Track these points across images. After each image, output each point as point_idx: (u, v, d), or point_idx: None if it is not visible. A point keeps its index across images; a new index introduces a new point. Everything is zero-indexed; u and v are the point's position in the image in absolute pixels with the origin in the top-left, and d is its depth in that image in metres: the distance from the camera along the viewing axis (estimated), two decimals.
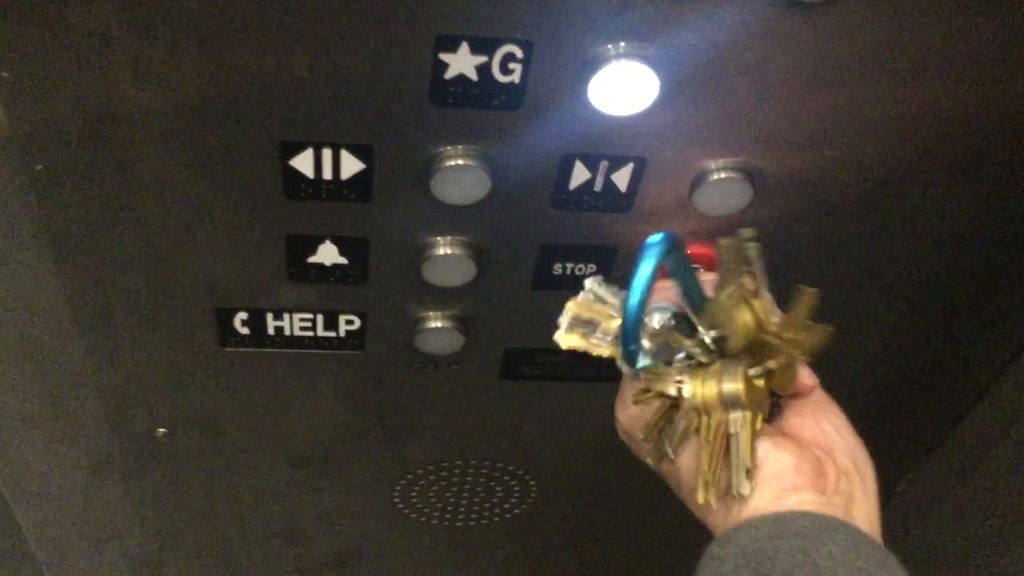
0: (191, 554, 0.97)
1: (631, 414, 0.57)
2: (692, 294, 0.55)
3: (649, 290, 0.52)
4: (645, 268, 0.52)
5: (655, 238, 0.52)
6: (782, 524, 0.50)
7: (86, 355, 0.71)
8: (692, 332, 0.55)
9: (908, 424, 0.84)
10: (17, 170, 0.57)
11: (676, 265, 0.54)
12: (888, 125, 0.59)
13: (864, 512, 0.52)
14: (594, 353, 0.57)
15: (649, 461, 0.57)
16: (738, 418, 0.52)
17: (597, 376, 0.76)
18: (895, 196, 0.64)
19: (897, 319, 0.73)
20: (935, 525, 0.87)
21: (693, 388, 0.53)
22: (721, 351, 0.54)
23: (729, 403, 0.52)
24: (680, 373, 0.53)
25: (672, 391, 0.53)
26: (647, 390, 0.54)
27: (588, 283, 0.57)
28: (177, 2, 0.49)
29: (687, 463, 0.54)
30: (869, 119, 0.59)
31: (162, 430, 0.79)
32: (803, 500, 0.50)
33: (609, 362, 0.74)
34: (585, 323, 0.57)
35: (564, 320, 0.57)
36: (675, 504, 0.90)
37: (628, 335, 0.53)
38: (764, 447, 0.52)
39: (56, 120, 0.55)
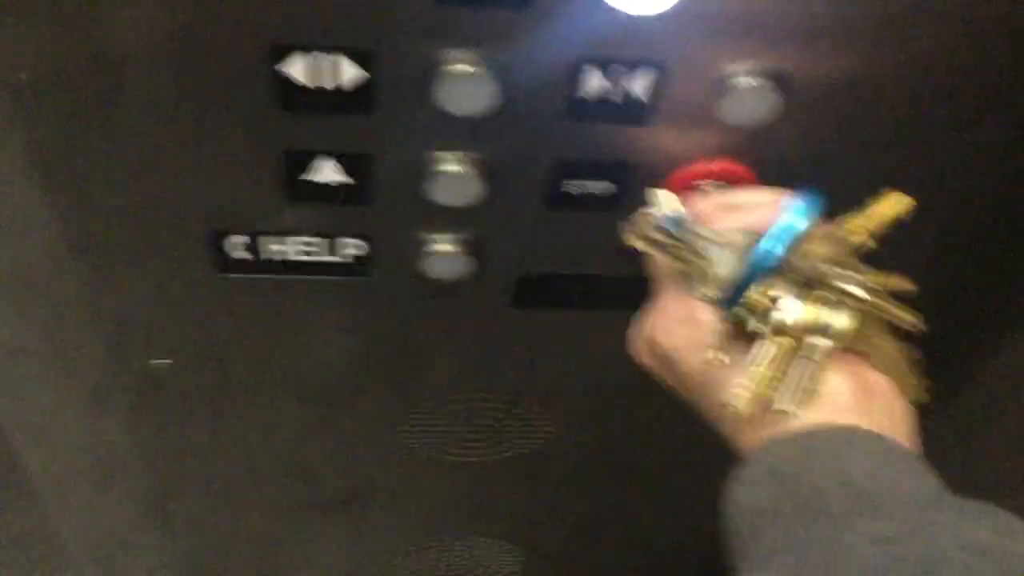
0: (197, 491, 0.95)
1: (685, 335, 0.53)
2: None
3: (789, 244, 0.48)
4: (790, 218, 0.48)
5: (807, 197, 0.49)
6: (812, 439, 0.48)
7: (80, 283, 0.68)
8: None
9: (945, 348, 0.81)
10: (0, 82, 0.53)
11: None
12: (926, 28, 0.54)
13: (904, 432, 0.50)
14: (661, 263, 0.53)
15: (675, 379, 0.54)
16: (825, 346, 0.49)
17: (615, 303, 0.72)
18: (931, 105, 0.60)
19: (934, 245, 0.69)
20: (973, 453, 0.85)
21: (798, 314, 0.49)
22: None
23: (827, 332, 0.49)
24: (782, 298, 0.50)
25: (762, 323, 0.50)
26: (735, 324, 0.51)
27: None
28: None
29: (728, 376, 0.51)
30: (907, 22, 0.54)
31: (163, 361, 0.76)
32: (848, 420, 0.48)
33: (628, 288, 0.70)
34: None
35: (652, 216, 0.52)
36: (693, 442, 0.87)
37: (747, 275, 0.49)
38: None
39: (37, 36, 0.51)
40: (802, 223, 0.49)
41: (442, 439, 0.89)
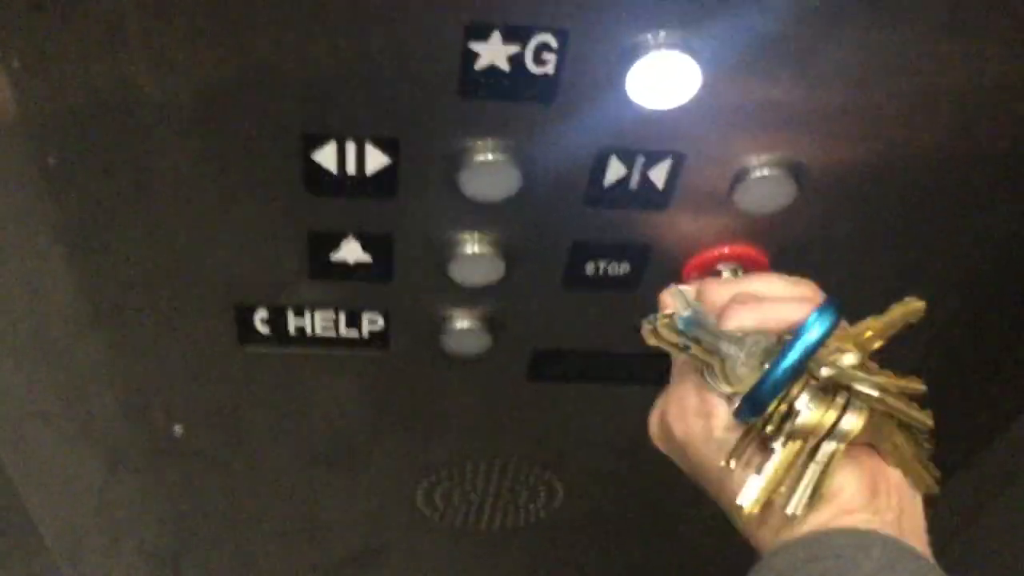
0: (209, 551, 0.95)
1: (700, 427, 0.54)
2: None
3: (810, 356, 0.50)
4: (814, 334, 0.49)
5: (828, 306, 0.50)
6: (818, 546, 0.48)
7: (103, 351, 0.69)
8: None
9: (953, 427, 0.81)
10: (29, 162, 0.55)
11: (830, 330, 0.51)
12: (941, 118, 0.55)
13: (912, 524, 0.50)
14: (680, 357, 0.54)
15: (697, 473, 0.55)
16: (833, 448, 0.50)
17: (628, 378, 0.73)
18: (944, 192, 0.61)
19: (945, 319, 0.70)
20: (981, 529, 0.84)
21: (811, 417, 0.50)
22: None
23: (837, 435, 0.50)
24: (796, 399, 0.51)
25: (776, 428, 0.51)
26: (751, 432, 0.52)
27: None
28: None
29: (741, 477, 0.51)
30: (922, 111, 0.55)
31: (179, 427, 0.77)
32: (856, 520, 0.48)
33: (640, 364, 0.71)
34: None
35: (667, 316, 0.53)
36: (703, 509, 0.87)
37: (769, 390, 0.50)
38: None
39: (69, 110, 0.52)
40: (820, 335, 0.49)
41: (455, 505, 0.90)
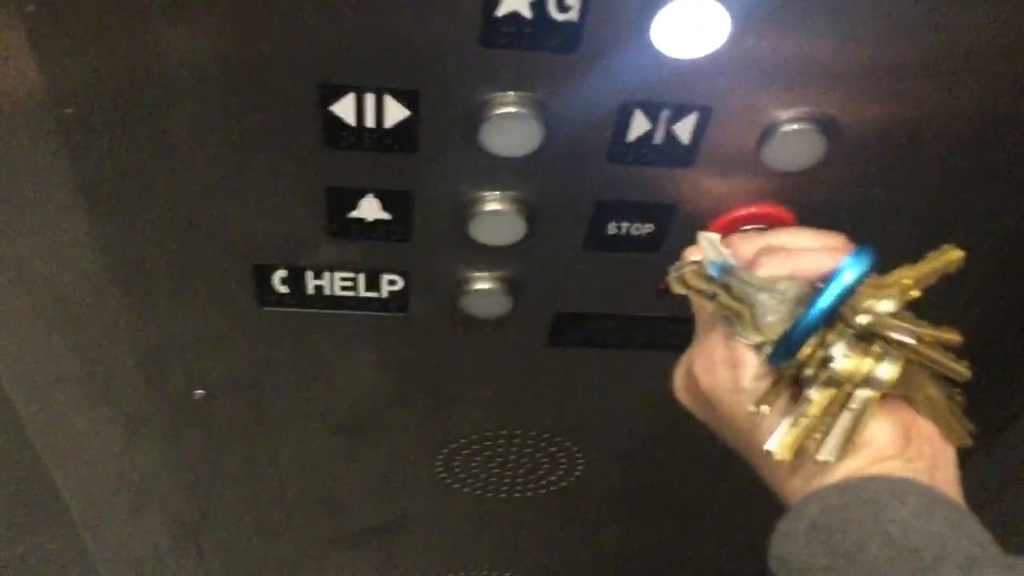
0: (230, 519, 0.95)
1: (728, 377, 0.53)
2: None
3: (845, 299, 0.49)
4: (849, 276, 0.49)
5: (864, 250, 0.50)
6: (852, 492, 0.47)
7: (122, 312, 0.69)
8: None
9: (983, 398, 0.79)
10: (47, 114, 0.54)
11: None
12: (983, 68, 0.54)
13: (945, 475, 0.50)
14: (708, 306, 0.53)
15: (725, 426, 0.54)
16: (867, 396, 0.49)
17: (651, 343, 0.72)
18: (979, 156, 0.60)
19: (976, 287, 0.68)
20: (1007, 504, 0.83)
21: (847, 364, 0.49)
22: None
23: (872, 383, 0.49)
24: (831, 347, 0.50)
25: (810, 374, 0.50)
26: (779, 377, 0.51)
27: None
28: None
29: (772, 424, 0.50)
30: (958, 70, 0.54)
31: (199, 391, 0.77)
32: (888, 468, 0.47)
33: (664, 328, 0.70)
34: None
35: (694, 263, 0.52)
36: (726, 478, 0.86)
37: (803, 332, 0.49)
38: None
39: (86, 62, 0.52)
40: (855, 278, 0.48)
41: (475, 474, 0.89)
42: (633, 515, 0.95)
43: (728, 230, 0.61)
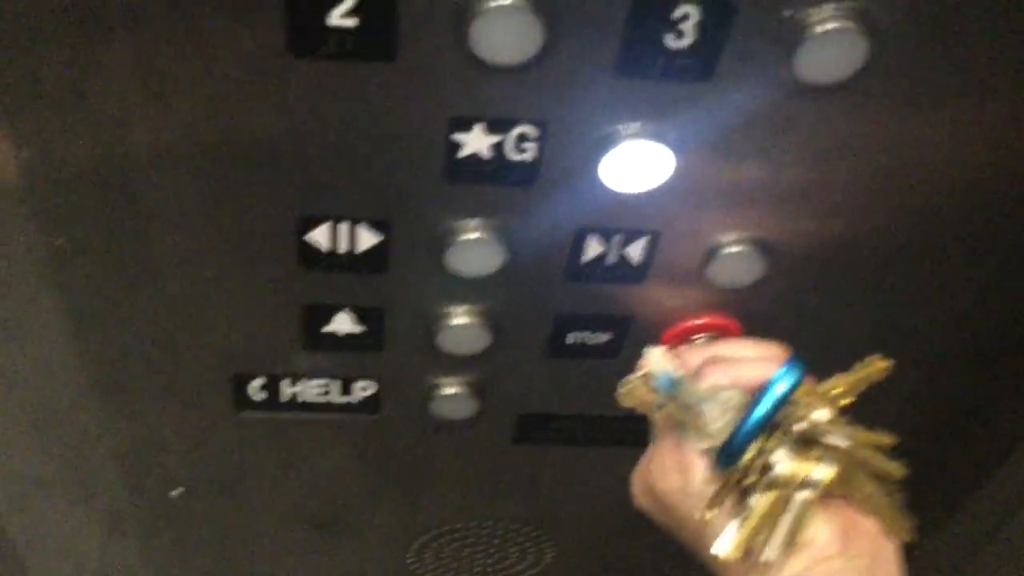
0: None
1: (680, 482, 0.56)
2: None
3: (780, 407, 0.53)
4: (782, 386, 0.53)
5: (794, 360, 0.54)
6: None
7: (102, 419, 0.72)
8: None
9: (926, 489, 0.83)
10: (38, 244, 0.58)
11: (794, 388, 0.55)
12: (897, 198, 0.59)
13: (886, 570, 0.53)
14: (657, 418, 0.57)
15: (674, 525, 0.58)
16: (807, 497, 0.52)
17: (613, 440, 0.75)
18: (907, 266, 0.64)
19: (913, 387, 0.73)
20: None
21: (787, 468, 0.53)
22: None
23: (811, 484, 0.53)
24: (772, 453, 0.54)
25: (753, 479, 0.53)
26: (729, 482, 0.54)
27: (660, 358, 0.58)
28: (191, 73, 0.50)
29: (720, 527, 0.54)
30: (879, 192, 0.59)
31: (177, 491, 0.79)
32: (829, 568, 0.50)
33: (623, 426, 0.74)
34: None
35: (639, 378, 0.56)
36: (690, 570, 0.89)
37: (743, 439, 0.53)
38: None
39: (75, 195, 0.55)
40: (786, 390, 0.53)
41: (446, 565, 0.92)
42: None
43: (680, 338, 0.66)
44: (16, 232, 0.57)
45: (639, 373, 0.57)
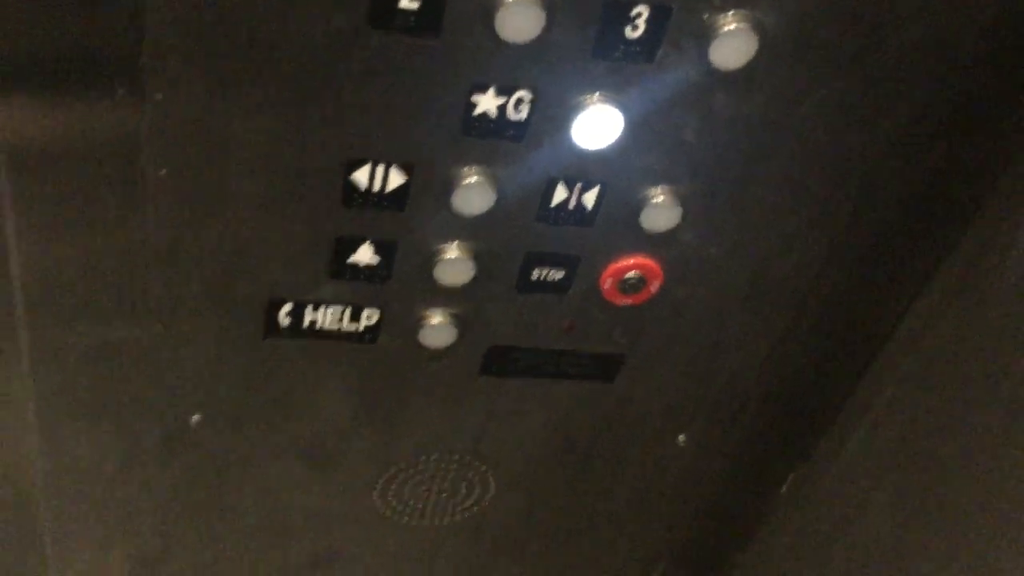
0: (188, 555, 1.10)
1: None
2: None
3: None
4: None
5: None
6: None
7: (141, 342, 0.87)
8: None
9: (793, 426, 1.06)
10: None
11: None
12: (779, 165, 0.83)
13: None
14: None
15: None
16: None
17: (564, 374, 0.95)
18: (783, 218, 0.88)
19: (782, 332, 0.96)
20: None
21: None
22: None
23: None
24: None
25: None
26: None
27: None
28: (289, 38, 0.70)
29: None
30: (766, 159, 0.82)
31: (195, 417, 0.94)
32: None
33: (570, 360, 0.94)
34: None
35: None
36: (626, 511, 1.09)
37: None
38: None
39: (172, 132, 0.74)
40: None
41: (406, 502, 1.08)
42: (547, 537, 1.16)
43: (615, 277, 0.87)
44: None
45: None
